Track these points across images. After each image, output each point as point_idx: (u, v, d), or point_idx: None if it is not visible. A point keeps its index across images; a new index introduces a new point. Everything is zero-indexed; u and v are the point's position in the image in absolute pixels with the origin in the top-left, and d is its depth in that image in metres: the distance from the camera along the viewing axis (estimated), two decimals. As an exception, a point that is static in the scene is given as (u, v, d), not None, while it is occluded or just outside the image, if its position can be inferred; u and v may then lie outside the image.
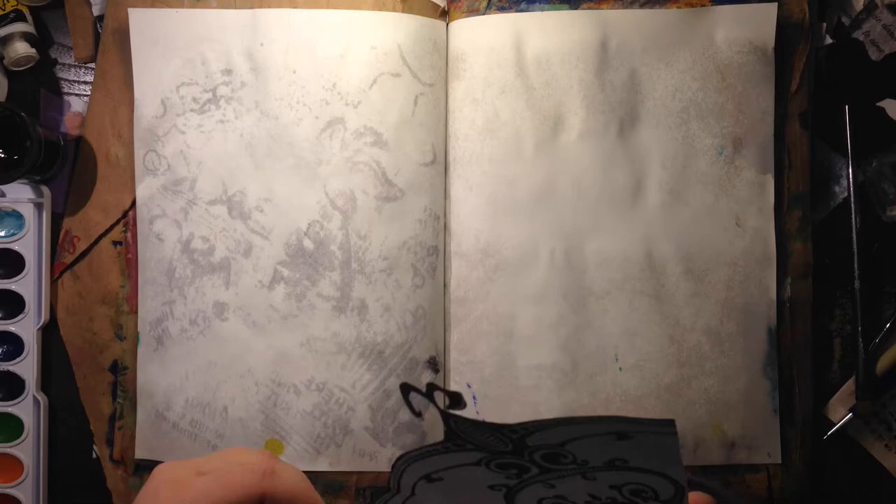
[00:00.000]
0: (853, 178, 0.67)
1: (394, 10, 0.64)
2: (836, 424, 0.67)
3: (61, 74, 0.68)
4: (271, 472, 0.40)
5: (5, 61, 0.66)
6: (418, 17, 0.64)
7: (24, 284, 0.65)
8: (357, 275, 0.64)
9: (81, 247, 0.65)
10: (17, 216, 0.65)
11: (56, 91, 0.67)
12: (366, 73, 0.64)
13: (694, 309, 0.65)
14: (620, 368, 0.65)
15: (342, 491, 0.64)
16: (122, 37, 0.64)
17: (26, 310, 0.65)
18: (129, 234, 0.65)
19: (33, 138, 0.60)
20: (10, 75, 0.67)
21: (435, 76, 0.65)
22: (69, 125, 0.67)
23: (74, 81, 0.68)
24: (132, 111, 0.64)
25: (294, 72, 0.64)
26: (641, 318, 0.65)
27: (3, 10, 0.65)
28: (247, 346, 0.63)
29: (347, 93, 0.64)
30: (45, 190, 0.65)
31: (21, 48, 0.65)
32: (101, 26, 0.65)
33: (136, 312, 0.65)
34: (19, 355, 0.65)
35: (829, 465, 0.68)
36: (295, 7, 0.64)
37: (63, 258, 0.65)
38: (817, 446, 0.67)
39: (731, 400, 0.65)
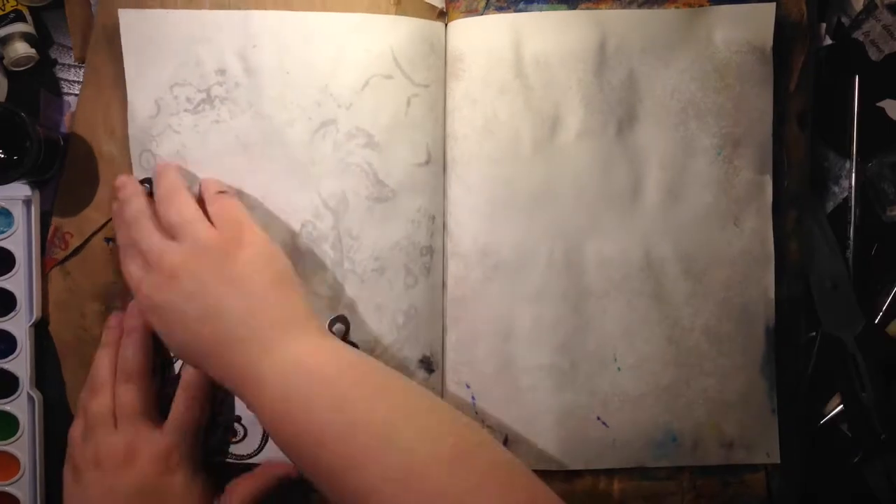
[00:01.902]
0: (856, 176, 0.67)
1: (387, 12, 0.64)
2: (834, 424, 0.67)
3: (61, 74, 0.68)
4: None
5: (5, 61, 0.66)
6: (413, 19, 0.64)
7: (15, 282, 0.65)
8: (349, 274, 0.64)
9: (74, 243, 0.65)
10: (6, 213, 0.65)
11: (56, 91, 0.67)
12: (358, 76, 0.64)
13: (692, 309, 0.64)
14: (619, 368, 0.64)
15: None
16: (113, 35, 0.64)
17: (17, 307, 0.65)
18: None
19: (33, 139, 0.60)
20: (10, 75, 0.67)
21: (430, 77, 0.65)
22: (69, 125, 0.67)
23: (74, 81, 0.68)
24: (124, 108, 0.64)
25: (287, 73, 0.64)
26: (640, 318, 0.64)
27: (3, 11, 0.65)
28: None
29: (340, 94, 0.64)
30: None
31: (21, 48, 0.65)
32: (100, 25, 0.66)
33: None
34: (12, 353, 0.65)
35: (829, 465, 0.67)
36: (289, 8, 0.64)
37: (54, 254, 0.65)
38: (816, 446, 0.67)
39: (729, 400, 0.64)
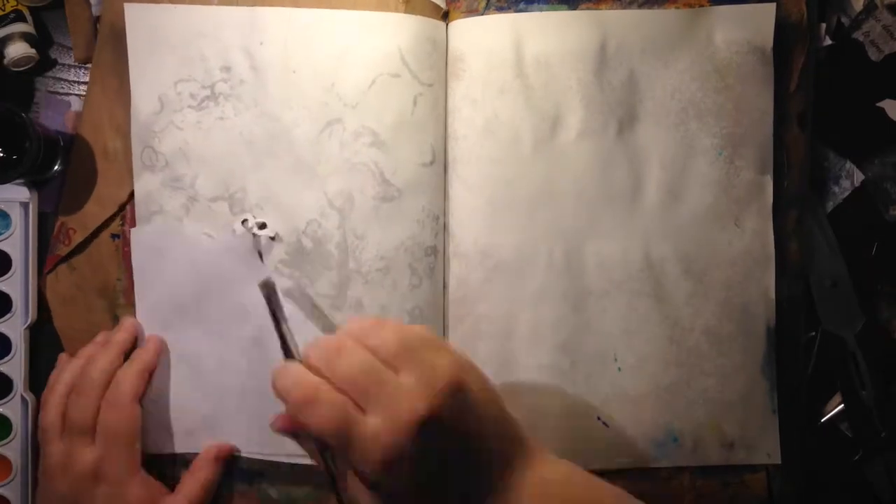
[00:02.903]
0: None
1: (396, 10, 0.64)
2: (833, 424, 0.67)
3: (61, 75, 0.68)
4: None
5: (5, 61, 0.66)
6: (419, 18, 0.64)
7: (11, 284, 0.64)
8: (354, 274, 0.63)
9: (77, 238, 0.65)
10: (4, 216, 0.65)
11: (56, 91, 0.67)
12: (365, 74, 0.63)
13: (693, 309, 0.64)
14: (619, 369, 0.64)
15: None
16: (120, 32, 0.64)
17: (13, 309, 0.64)
18: (126, 228, 0.65)
19: (33, 139, 0.60)
20: (10, 75, 0.67)
21: (434, 76, 0.65)
22: (69, 125, 0.66)
23: (74, 82, 0.68)
24: (129, 105, 0.64)
25: (294, 71, 0.64)
26: (640, 318, 0.64)
27: (3, 11, 0.65)
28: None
29: (346, 93, 0.63)
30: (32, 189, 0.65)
31: (21, 49, 0.65)
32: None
33: (133, 304, 0.64)
34: (7, 355, 0.64)
35: (829, 466, 0.67)
36: (297, 6, 0.64)
37: (58, 250, 0.65)
38: (816, 446, 0.67)
39: (730, 400, 0.64)
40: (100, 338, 0.64)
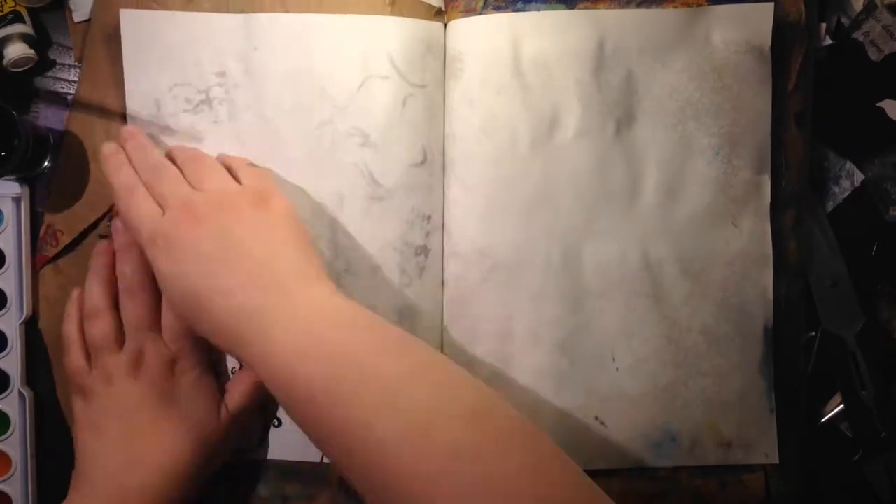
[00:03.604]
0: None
1: (383, 13, 0.64)
2: (832, 423, 0.67)
3: (61, 75, 0.68)
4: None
5: (4, 62, 0.66)
6: (410, 20, 0.64)
7: (6, 279, 0.64)
8: (344, 273, 0.63)
9: (65, 240, 0.64)
10: None
11: (55, 91, 0.68)
12: (354, 77, 0.64)
13: (690, 309, 0.64)
14: (617, 369, 0.64)
15: (324, 482, 0.64)
16: (111, 34, 0.64)
17: (8, 304, 0.64)
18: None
19: (21, 136, 0.60)
20: (9, 76, 0.67)
21: (427, 77, 0.65)
22: (67, 124, 0.67)
23: (73, 82, 0.68)
24: (121, 107, 0.64)
25: (286, 74, 0.64)
26: (638, 318, 0.64)
27: (2, 12, 0.65)
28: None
29: (337, 95, 0.64)
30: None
31: (20, 49, 0.65)
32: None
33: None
34: (3, 350, 0.64)
35: (829, 466, 0.67)
36: (287, 10, 0.64)
37: (45, 251, 0.65)
38: (816, 446, 0.66)
39: (727, 400, 0.64)
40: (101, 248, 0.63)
